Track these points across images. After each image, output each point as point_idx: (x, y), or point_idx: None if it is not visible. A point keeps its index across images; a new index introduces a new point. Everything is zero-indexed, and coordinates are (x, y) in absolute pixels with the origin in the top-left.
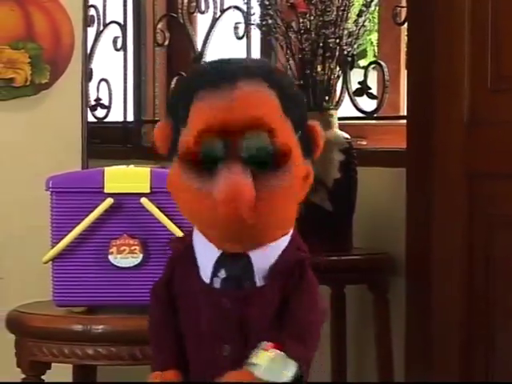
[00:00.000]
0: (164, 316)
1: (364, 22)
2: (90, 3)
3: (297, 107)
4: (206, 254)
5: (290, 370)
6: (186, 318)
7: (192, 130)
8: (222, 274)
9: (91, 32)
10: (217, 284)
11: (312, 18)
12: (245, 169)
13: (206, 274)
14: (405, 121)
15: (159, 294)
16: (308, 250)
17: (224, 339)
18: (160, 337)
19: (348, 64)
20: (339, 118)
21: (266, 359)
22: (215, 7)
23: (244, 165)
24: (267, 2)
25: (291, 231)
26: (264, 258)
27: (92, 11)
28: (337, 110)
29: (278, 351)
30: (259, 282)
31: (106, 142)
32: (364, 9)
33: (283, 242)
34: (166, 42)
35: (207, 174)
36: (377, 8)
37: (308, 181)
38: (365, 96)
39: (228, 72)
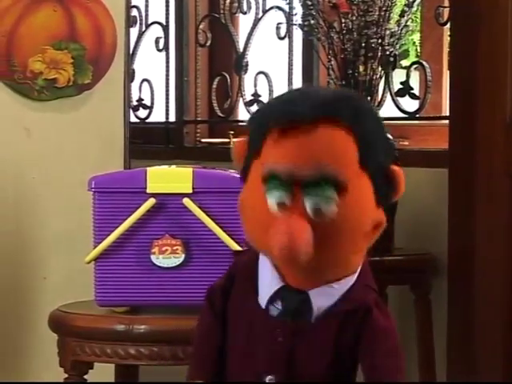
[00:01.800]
0: (212, 326)
1: (406, 22)
2: (133, 4)
3: (378, 155)
4: (268, 282)
5: None
6: (234, 333)
7: (260, 170)
8: (278, 304)
9: (133, 32)
10: (273, 312)
11: (354, 18)
12: (305, 217)
13: (262, 298)
14: (447, 121)
15: (214, 302)
16: (376, 288)
17: (270, 369)
18: (203, 347)
19: (390, 64)
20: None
21: None
22: (257, 7)
23: (305, 214)
24: (309, 3)
25: (358, 269)
26: (324, 296)
27: (134, 12)
28: (379, 110)
29: None
30: (315, 320)
31: (148, 142)
32: (406, 9)
33: (348, 282)
34: (208, 43)
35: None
36: (419, 8)
37: (378, 229)
38: (407, 96)
39: (304, 110)
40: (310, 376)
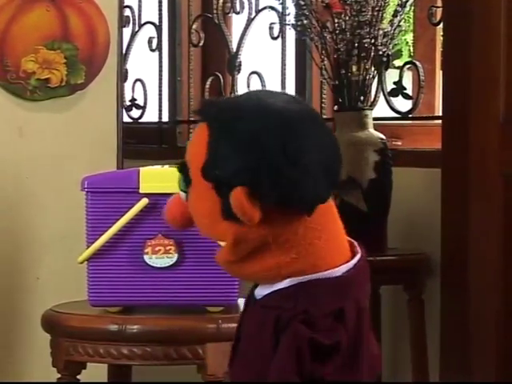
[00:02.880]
0: None
1: (399, 22)
2: (126, 4)
3: (219, 168)
4: None
5: None
6: None
7: None
8: None
9: (126, 32)
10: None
11: (347, 18)
12: None
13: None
14: (440, 121)
15: None
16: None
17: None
18: None
19: (383, 64)
20: (374, 119)
21: None
22: (250, 7)
23: None
24: (302, 3)
25: (282, 282)
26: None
27: (127, 12)
28: (372, 110)
29: None
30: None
31: (141, 142)
32: (399, 9)
33: (264, 288)
34: (201, 43)
35: None
36: (412, 8)
37: (238, 243)
38: (400, 96)
39: (205, 113)
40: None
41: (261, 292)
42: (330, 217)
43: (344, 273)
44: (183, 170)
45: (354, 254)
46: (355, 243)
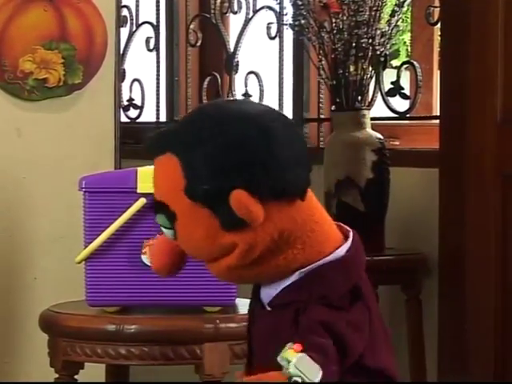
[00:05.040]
0: None
1: (397, 22)
2: (123, 4)
3: (206, 182)
4: None
5: (316, 373)
6: None
7: None
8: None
9: (124, 32)
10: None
11: (345, 18)
12: None
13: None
14: (438, 121)
15: None
16: (331, 292)
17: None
18: None
19: (381, 64)
20: (372, 118)
21: (295, 356)
22: (248, 7)
23: None
24: (300, 2)
25: (294, 275)
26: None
27: (125, 12)
28: (369, 110)
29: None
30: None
31: (138, 142)
32: (397, 9)
33: (279, 284)
34: (199, 43)
35: None
36: (409, 8)
37: (240, 250)
38: (397, 96)
39: (150, 145)
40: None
41: (268, 293)
42: (314, 202)
43: (346, 252)
44: (162, 209)
45: (343, 233)
46: (339, 223)
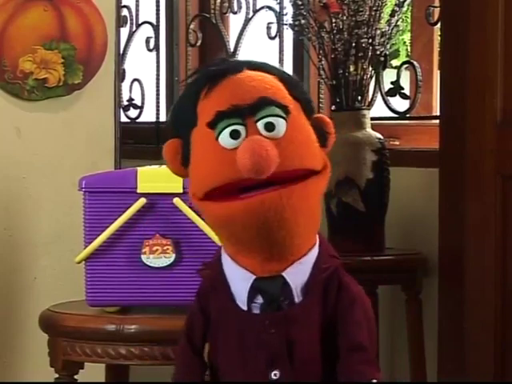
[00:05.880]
0: (192, 364)
1: (397, 21)
2: (123, 3)
3: (303, 93)
4: (240, 281)
5: None
6: (227, 347)
7: (203, 127)
8: (259, 299)
9: (124, 32)
10: (256, 310)
11: (345, 18)
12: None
13: (242, 300)
14: (437, 121)
15: (192, 339)
16: (338, 255)
17: (272, 363)
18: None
19: (381, 64)
20: (372, 118)
21: None
22: (248, 7)
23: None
24: (300, 2)
25: (317, 241)
26: (298, 275)
27: (125, 11)
28: (369, 110)
29: None
30: (298, 299)
31: (138, 142)
32: (397, 9)
33: (312, 254)
34: (199, 43)
35: None
36: (409, 8)
37: (327, 171)
38: (397, 96)
39: (229, 66)
40: (310, 360)
41: (296, 278)
42: None
43: None
44: (272, 103)
45: None
46: None
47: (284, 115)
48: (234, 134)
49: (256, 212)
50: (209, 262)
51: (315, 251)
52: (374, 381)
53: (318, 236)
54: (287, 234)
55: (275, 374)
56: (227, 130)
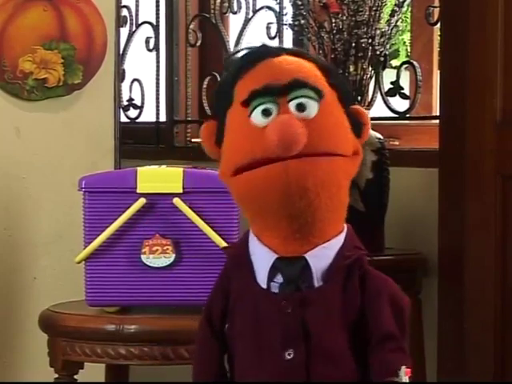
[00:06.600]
0: (213, 348)
1: (396, 21)
2: (123, 4)
3: (342, 83)
4: (262, 259)
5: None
6: (244, 325)
7: (238, 106)
8: (279, 278)
9: (124, 32)
10: (274, 289)
11: (344, 18)
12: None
13: (262, 279)
14: (437, 121)
15: (212, 321)
16: (364, 247)
17: (287, 343)
18: (203, 373)
19: (380, 64)
20: (372, 118)
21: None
22: (247, 7)
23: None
24: (299, 3)
25: (345, 231)
26: (321, 259)
27: (124, 12)
28: (369, 110)
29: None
30: (317, 283)
31: (138, 142)
32: (396, 9)
33: (337, 241)
34: (199, 43)
35: None
36: (409, 8)
37: (358, 157)
38: (397, 96)
39: (268, 50)
40: (326, 343)
41: (319, 262)
42: None
43: None
44: (307, 85)
45: None
46: None
47: (317, 98)
48: (266, 112)
49: (278, 177)
50: (235, 242)
51: (340, 239)
52: (403, 367)
53: (346, 226)
54: (309, 206)
55: (289, 354)
56: (259, 108)
